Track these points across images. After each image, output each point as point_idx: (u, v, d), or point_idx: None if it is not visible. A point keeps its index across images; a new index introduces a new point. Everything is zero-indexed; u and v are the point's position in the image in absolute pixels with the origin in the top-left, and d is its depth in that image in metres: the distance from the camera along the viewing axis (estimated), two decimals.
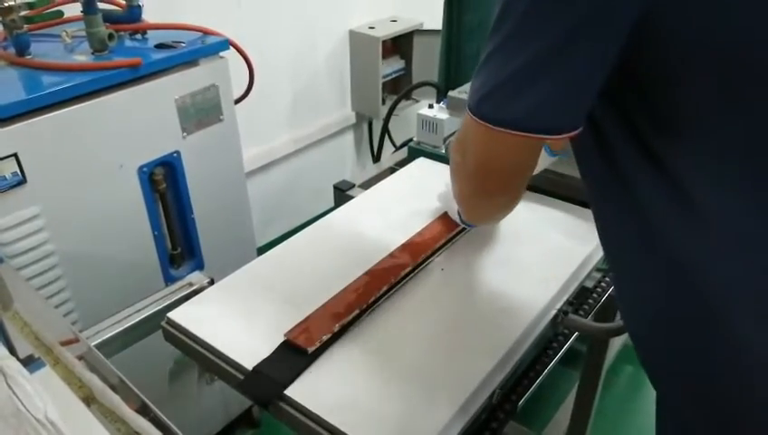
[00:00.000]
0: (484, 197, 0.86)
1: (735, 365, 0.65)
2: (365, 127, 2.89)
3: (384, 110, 2.56)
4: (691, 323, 0.68)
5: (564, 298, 1.04)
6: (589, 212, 1.21)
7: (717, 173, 0.63)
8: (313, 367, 0.88)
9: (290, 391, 0.83)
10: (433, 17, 2.13)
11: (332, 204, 1.48)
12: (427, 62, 2.47)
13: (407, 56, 2.70)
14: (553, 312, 1.01)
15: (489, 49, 0.68)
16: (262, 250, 1.23)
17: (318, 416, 0.80)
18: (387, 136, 2.62)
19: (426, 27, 2.60)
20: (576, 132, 0.67)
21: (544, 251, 1.14)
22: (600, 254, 1.15)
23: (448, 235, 1.16)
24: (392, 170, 1.58)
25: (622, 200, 0.70)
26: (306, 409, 0.81)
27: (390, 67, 2.67)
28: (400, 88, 2.62)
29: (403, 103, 2.58)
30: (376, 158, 2.74)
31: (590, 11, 0.59)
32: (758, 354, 0.64)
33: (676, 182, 0.64)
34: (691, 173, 0.63)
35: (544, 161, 1.17)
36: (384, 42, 2.53)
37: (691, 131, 0.63)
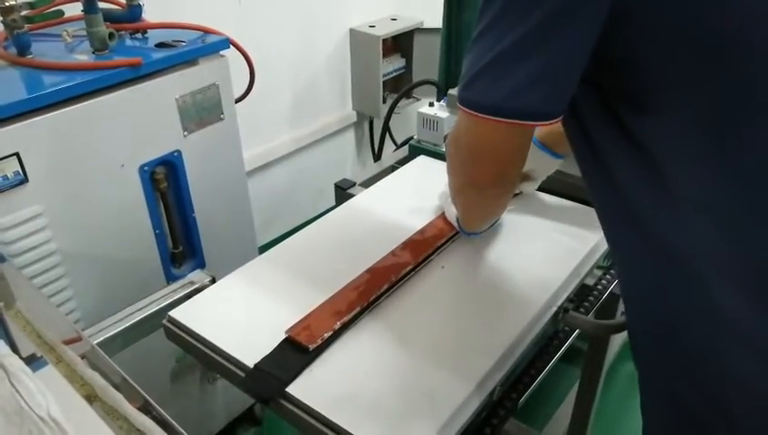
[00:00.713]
0: (476, 189, 0.86)
1: (712, 334, 0.66)
2: (366, 126, 2.89)
3: (385, 108, 2.56)
4: (672, 296, 0.69)
5: (564, 296, 1.05)
6: (589, 210, 1.22)
7: (685, 147, 0.64)
8: (315, 364, 0.88)
9: (291, 389, 0.84)
10: (433, 16, 2.13)
11: (334, 203, 1.48)
12: (427, 61, 2.47)
13: (407, 55, 2.70)
14: (554, 309, 1.01)
15: (474, 36, 0.68)
16: (263, 249, 1.23)
17: (319, 413, 0.80)
18: (388, 134, 2.62)
19: (426, 26, 2.60)
20: (559, 119, 0.68)
21: (545, 249, 1.14)
22: (601, 251, 1.15)
23: (449, 233, 1.16)
24: (393, 169, 1.59)
25: (608, 184, 0.71)
26: (307, 406, 0.81)
27: (391, 66, 2.66)
28: (401, 86, 2.62)
29: (404, 102, 2.58)
30: (377, 156, 2.74)
31: None
32: (731, 321, 0.65)
33: (649, 159, 0.66)
34: (661, 148, 0.65)
35: (552, 165, 1.17)
36: (384, 40, 2.53)
37: (659, 107, 0.64)
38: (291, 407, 0.83)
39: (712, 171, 0.63)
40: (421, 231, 1.17)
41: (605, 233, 0.80)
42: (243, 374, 0.89)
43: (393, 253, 1.10)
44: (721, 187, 0.63)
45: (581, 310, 1.12)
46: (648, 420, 0.83)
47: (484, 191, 0.87)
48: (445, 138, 1.59)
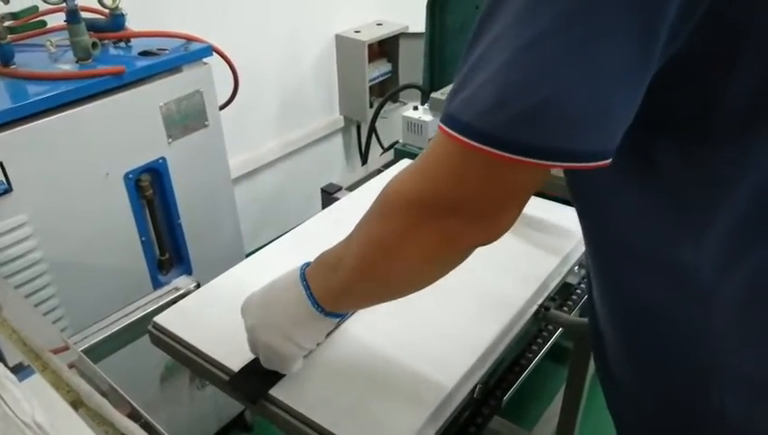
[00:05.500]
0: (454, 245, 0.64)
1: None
2: (353, 130, 2.90)
3: (372, 113, 2.58)
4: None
5: (546, 294, 1.06)
6: (569, 209, 1.23)
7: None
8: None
9: (274, 391, 0.85)
10: (418, 20, 2.15)
11: (321, 208, 1.49)
12: (414, 65, 2.48)
13: (393, 59, 2.72)
14: (534, 307, 1.03)
15: (497, 32, 0.51)
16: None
17: (301, 414, 0.81)
18: (376, 139, 2.63)
19: (411, 30, 2.61)
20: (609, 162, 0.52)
21: (525, 248, 1.15)
22: (582, 250, 1.16)
23: None
24: (379, 172, 1.60)
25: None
26: (290, 407, 0.82)
27: (377, 70, 2.68)
28: (387, 91, 2.63)
29: (391, 106, 2.60)
30: (363, 160, 2.76)
31: None
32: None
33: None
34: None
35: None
36: (370, 45, 2.55)
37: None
38: (274, 409, 0.84)
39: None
40: None
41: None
42: (227, 378, 0.89)
43: None
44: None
45: (565, 309, 1.13)
46: None
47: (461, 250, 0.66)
48: (429, 141, 1.60)
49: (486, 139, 0.51)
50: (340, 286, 0.74)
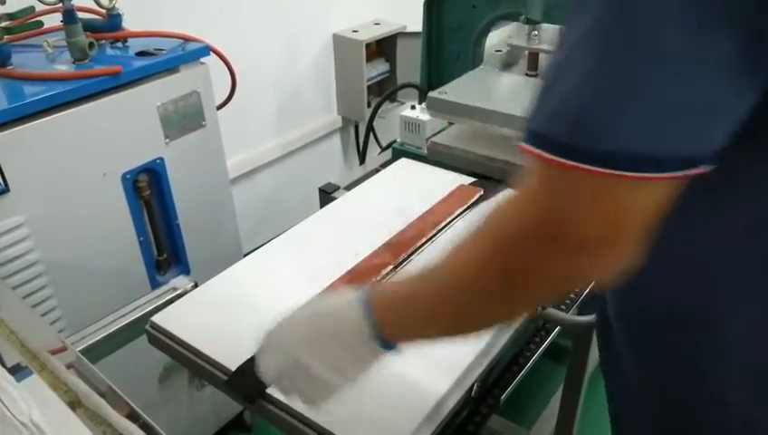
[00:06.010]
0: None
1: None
2: (351, 130, 2.90)
3: (369, 112, 2.58)
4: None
5: None
6: None
7: None
8: None
9: (272, 390, 0.84)
10: (415, 20, 2.15)
11: (319, 207, 1.49)
12: (411, 65, 2.48)
13: (391, 59, 2.71)
14: None
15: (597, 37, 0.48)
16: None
17: (299, 413, 0.81)
18: (374, 138, 2.63)
19: (409, 30, 2.61)
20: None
21: None
22: None
23: (429, 233, 1.17)
24: (377, 172, 1.60)
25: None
26: (287, 406, 0.82)
27: (375, 70, 2.67)
28: (385, 90, 2.63)
29: (389, 105, 2.59)
30: (361, 160, 2.76)
31: None
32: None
33: None
34: None
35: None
36: (368, 45, 2.54)
37: None
38: (272, 408, 0.84)
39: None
40: (402, 232, 1.18)
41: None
42: (225, 377, 0.89)
43: (374, 254, 1.12)
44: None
45: (563, 307, 1.13)
46: None
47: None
48: (426, 140, 1.60)
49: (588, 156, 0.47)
50: (416, 321, 0.67)
